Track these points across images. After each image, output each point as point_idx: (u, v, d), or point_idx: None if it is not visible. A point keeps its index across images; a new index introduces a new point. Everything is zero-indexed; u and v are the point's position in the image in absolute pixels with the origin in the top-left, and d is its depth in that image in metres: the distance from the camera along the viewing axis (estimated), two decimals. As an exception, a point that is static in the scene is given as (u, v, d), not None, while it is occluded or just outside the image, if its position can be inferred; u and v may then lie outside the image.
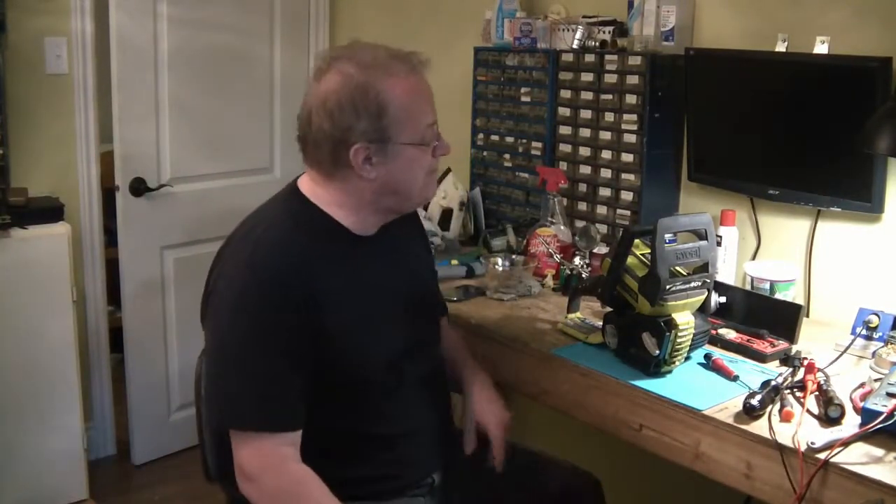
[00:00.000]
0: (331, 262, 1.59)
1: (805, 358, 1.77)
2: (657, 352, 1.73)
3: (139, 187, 3.02)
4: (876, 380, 1.65)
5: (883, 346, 1.83)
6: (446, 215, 2.77)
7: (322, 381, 1.56)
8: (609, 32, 2.43)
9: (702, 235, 1.78)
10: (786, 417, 1.57)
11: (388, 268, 1.70)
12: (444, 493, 1.75)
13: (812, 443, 1.46)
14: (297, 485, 1.50)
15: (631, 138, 2.38)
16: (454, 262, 2.49)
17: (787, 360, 1.82)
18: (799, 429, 1.52)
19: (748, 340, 1.91)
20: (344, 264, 1.61)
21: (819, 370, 1.69)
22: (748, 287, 2.12)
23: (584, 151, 2.51)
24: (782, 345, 1.89)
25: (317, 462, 1.52)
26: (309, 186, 1.65)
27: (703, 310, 1.82)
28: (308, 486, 1.50)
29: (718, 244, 2.16)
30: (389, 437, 1.66)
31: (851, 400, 1.62)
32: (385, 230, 1.70)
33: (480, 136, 2.82)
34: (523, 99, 2.66)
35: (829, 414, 1.56)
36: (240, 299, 1.52)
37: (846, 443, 1.46)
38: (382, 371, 1.63)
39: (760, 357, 1.85)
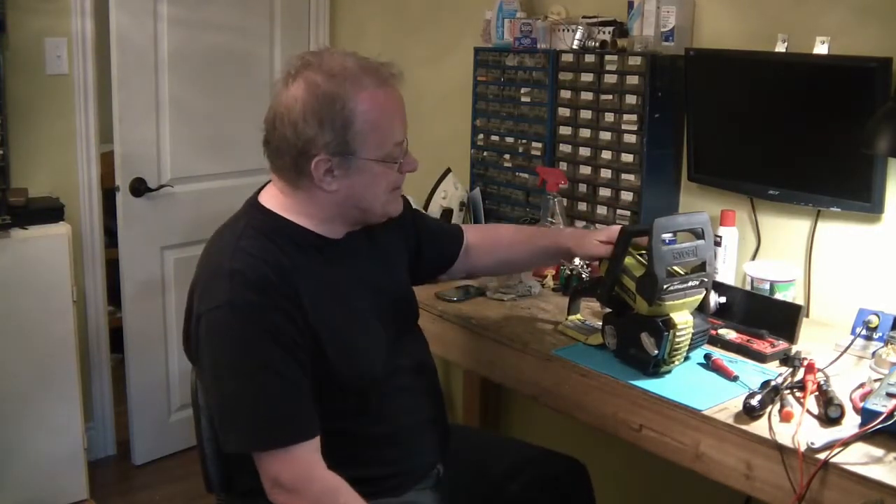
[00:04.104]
0: (305, 266, 1.57)
1: (805, 358, 1.77)
2: (656, 352, 1.73)
3: (139, 187, 3.02)
4: (876, 380, 1.65)
5: (883, 347, 1.83)
6: (446, 215, 2.77)
7: (326, 386, 1.56)
8: (609, 33, 2.43)
9: (699, 234, 1.78)
10: (786, 418, 1.57)
11: (365, 266, 1.70)
12: (448, 485, 1.76)
13: (812, 443, 1.46)
14: (334, 490, 1.50)
15: (631, 138, 2.37)
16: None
17: (786, 360, 1.82)
18: (799, 429, 1.52)
19: (748, 340, 1.91)
20: (318, 267, 1.60)
21: (819, 370, 1.69)
22: (748, 287, 2.12)
23: (584, 152, 2.51)
24: (782, 345, 1.89)
25: (327, 465, 1.52)
26: (273, 198, 1.63)
27: (702, 309, 1.82)
28: (342, 490, 1.50)
29: (717, 244, 2.16)
30: (393, 434, 1.66)
31: (851, 400, 1.61)
32: (353, 231, 1.69)
33: (480, 136, 2.82)
34: (523, 99, 2.66)
35: (829, 414, 1.56)
36: (229, 314, 1.49)
37: (846, 443, 1.45)
38: (379, 368, 1.63)
39: (760, 357, 1.85)
